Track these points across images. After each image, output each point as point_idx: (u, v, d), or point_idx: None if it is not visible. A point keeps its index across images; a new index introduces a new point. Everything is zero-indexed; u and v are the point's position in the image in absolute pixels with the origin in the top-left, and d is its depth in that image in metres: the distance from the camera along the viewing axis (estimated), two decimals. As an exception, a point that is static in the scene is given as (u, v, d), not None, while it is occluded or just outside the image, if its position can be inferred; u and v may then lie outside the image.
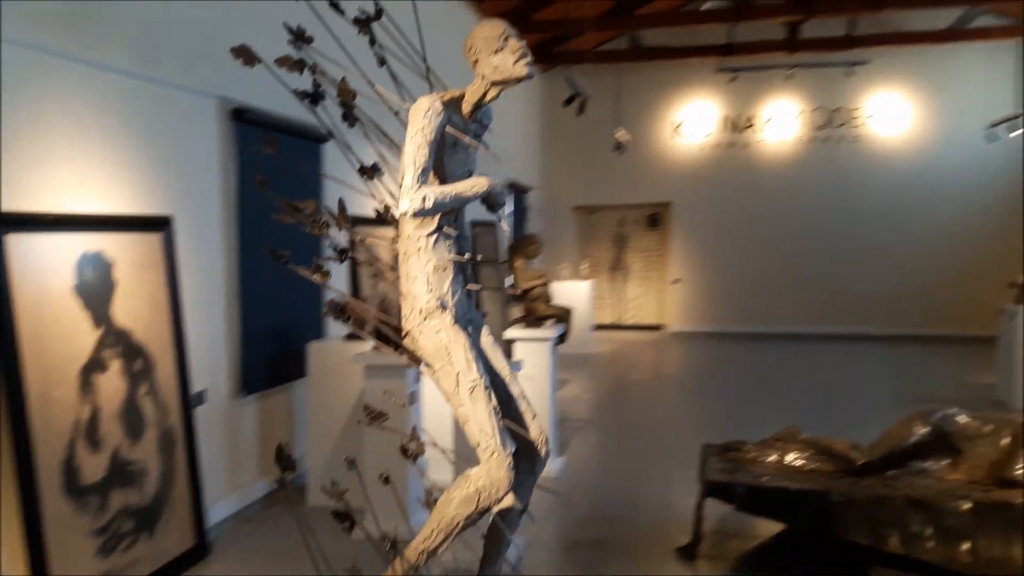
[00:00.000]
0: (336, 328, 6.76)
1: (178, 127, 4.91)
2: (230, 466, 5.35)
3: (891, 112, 14.34)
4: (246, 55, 2.33)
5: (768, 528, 4.73)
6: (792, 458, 4.44)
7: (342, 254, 2.44)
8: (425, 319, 2.37)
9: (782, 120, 14.83)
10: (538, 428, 2.60)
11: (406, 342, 2.42)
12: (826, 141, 14.65)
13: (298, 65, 2.42)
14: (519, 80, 2.47)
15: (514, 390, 2.60)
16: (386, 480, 2.51)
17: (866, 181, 14.40)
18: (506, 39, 2.45)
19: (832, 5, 11.73)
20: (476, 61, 2.49)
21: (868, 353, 12.61)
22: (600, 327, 14.54)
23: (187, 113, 5.01)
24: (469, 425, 2.29)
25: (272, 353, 5.92)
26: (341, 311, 2.45)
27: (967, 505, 3.80)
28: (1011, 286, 9.13)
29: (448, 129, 2.38)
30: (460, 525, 2.32)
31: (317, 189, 6.62)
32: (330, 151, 6.64)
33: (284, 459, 2.40)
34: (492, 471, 2.26)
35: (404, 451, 2.42)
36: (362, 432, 5.09)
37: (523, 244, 9.17)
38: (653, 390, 10.20)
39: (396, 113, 2.55)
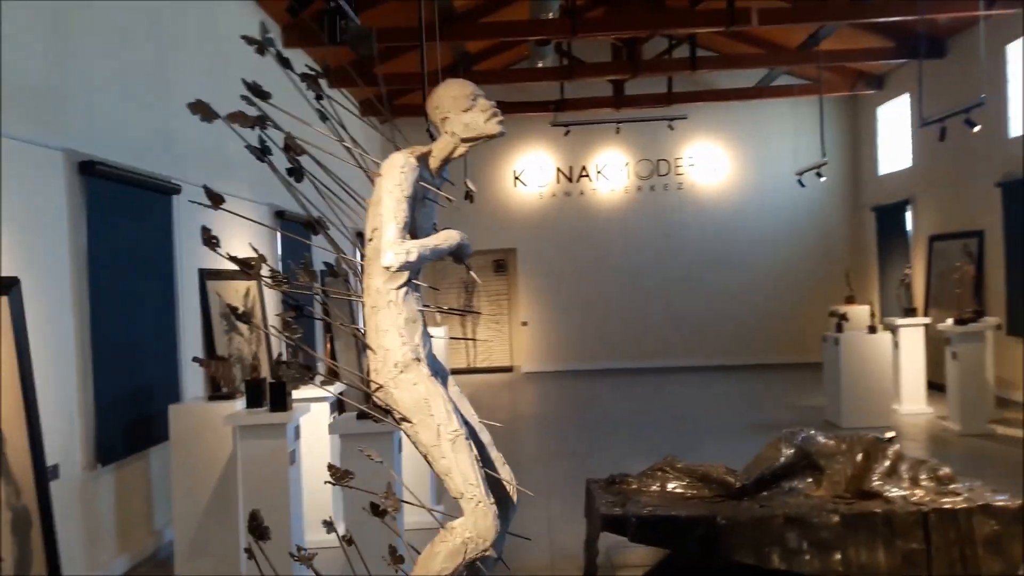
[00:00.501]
0: (195, 389, 6.40)
1: (21, 182, 4.54)
2: (88, 544, 4.90)
3: (710, 161, 15.59)
4: (204, 110, 2.23)
5: (654, 555, 4.91)
6: (674, 486, 4.66)
7: (298, 310, 2.36)
8: (401, 372, 2.33)
9: (612, 170, 15.72)
10: (509, 474, 2.62)
11: (378, 396, 2.36)
12: (653, 189, 15.66)
13: (253, 121, 2.35)
14: (491, 137, 2.56)
15: (484, 438, 2.61)
16: (349, 541, 2.41)
17: (692, 224, 15.51)
18: (475, 99, 2.54)
19: (653, 65, 12.71)
20: (445, 119, 2.54)
21: (707, 383, 13.44)
22: (454, 371, 14.57)
23: (31, 167, 4.65)
24: (452, 476, 2.26)
25: (128, 419, 5.52)
26: (307, 370, 2.35)
27: (836, 518, 4.16)
28: (832, 315, 10.08)
29: (421, 183, 2.41)
30: None
31: (168, 241, 6.31)
32: (180, 202, 6.35)
33: (257, 527, 2.24)
34: (479, 521, 2.23)
35: (375, 508, 2.33)
36: (234, 496, 4.83)
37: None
38: (514, 431, 10.31)
39: (365, 171, 2.53)
